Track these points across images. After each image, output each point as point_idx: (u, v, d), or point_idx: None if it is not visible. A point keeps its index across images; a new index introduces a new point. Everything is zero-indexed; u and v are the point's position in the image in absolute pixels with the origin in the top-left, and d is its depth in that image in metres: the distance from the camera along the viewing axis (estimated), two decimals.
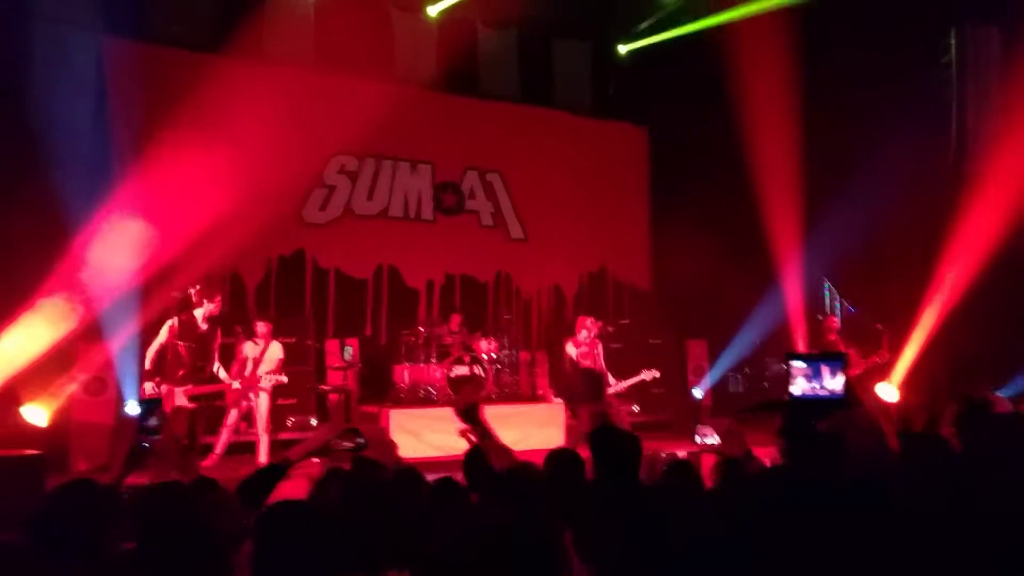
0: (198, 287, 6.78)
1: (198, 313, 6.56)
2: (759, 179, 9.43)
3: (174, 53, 8.82)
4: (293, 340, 8.61)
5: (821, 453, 2.49)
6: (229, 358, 7.24)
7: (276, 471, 2.73)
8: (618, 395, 7.54)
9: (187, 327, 6.49)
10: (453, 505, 2.55)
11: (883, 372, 8.51)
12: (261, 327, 7.32)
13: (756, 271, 9.72)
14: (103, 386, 7.04)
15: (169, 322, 6.54)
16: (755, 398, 9.84)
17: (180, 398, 6.38)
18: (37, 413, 6.39)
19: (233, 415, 7.17)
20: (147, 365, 6.45)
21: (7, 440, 5.79)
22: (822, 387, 2.34)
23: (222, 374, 6.83)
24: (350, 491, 2.55)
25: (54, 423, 6.67)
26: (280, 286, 9.49)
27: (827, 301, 10.84)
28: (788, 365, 2.25)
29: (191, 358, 6.44)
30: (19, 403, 6.43)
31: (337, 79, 9.51)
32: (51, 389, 6.62)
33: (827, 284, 10.56)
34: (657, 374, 7.54)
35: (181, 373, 6.40)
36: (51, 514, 2.11)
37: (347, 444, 2.96)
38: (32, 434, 6.19)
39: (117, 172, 8.09)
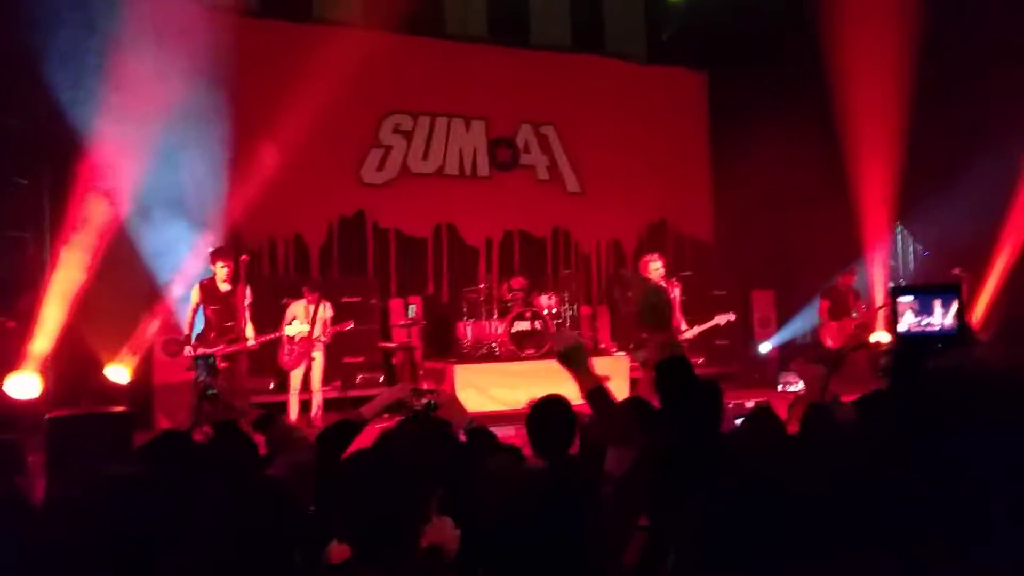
0: (210, 249, 6.80)
1: (219, 275, 6.58)
2: (830, 121, 9.06)
3: (226, 16, 8.85)
4: (358, 299, 8.77)
5: (932, 391, 2.33)
6: (274, 317, 7.40)
7: (352, 426, 2.76)
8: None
9: (209, 290, 6.56)
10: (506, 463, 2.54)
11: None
12: (308, 292, 7.46)
13: (823, 217, 9.40)
14: (179, 347, 7.28)
15: (195, 286, 6.65)
16: (821, 350, 9.61)
17: (216, 360, 6.48)
18: (119, 372, 6.66)
19: (295, 376, 7.35)
20: (185, 330, 6.61)
21: (96, 399, 6.10)
22: (932, 322, 2.18)
23: (250, 333, 6.73)
24: (418, 443, 2.57)
25: (137, 384, 6.97)
26: (342, 247, 9.64)
27: (899, 244, 10.46)
28: (894, 299, 2.11)
29: (218, 319, 6.51)
30: (102, 365, 6.72)
31: (387, 37, 9.44)
32: (129, 348, 6.91)
33: (899, 227, 10.16)
34: (732, 317, 7.19)
35: (212, 335, 6.51)
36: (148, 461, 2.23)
37: (419, 402, 2.97)
38: (117, 395, 6.48)
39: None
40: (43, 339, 6.12)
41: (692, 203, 11.43)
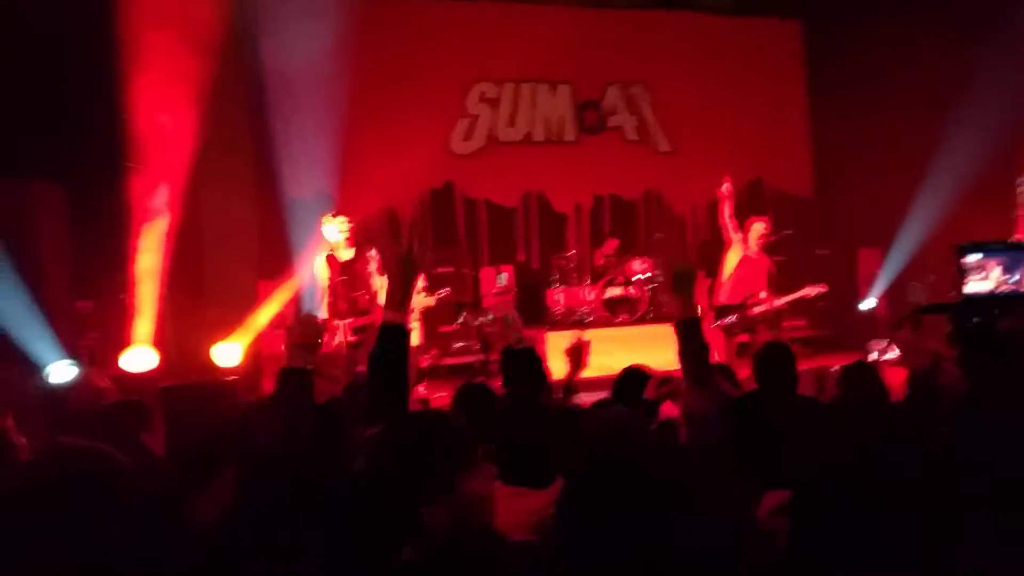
0: (330, 214, 6.42)
1: (341, 237, 6.24)
2: (931, 63, 8.41)
3: None
4: (451, 270, 8.88)
5: (1004, 356, 2.14)
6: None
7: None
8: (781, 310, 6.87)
9: (332, 261, 6.27)
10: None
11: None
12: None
13: (932, 169, 8.77)
14: (285, 320, 7.56)
15: (319, 260, 6.36)
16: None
17: (346, 333, 6.22)
18: (230, 351, 6.76)
19: None
20: (319, 309, 6.32)
21: (209, 367, 6.42)
22: (1005, 282, 1.96)
23: (381, 299, 6.44)
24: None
25: (249, 356, 7.24)
26: (434, 218, 9.76)
27: (1021, 196, 9.66)
28: (959, 258, 1.91)
29: (345, 290, 6.21)
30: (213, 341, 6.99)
31: (470, 5, 9.40)
32: (241, 327, 7.14)
33: (1021, 177, 9.38)
34: (824, 289, 6.65)
35: (343, 308, 6.22)
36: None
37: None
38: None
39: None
40: (146, 317, 6.26)
41: (790, 159, 10.93)
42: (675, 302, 2.39)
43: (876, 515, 1.20)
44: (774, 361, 3.43)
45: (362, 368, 5.99)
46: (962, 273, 1.89)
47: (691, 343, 2.32)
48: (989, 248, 1.95)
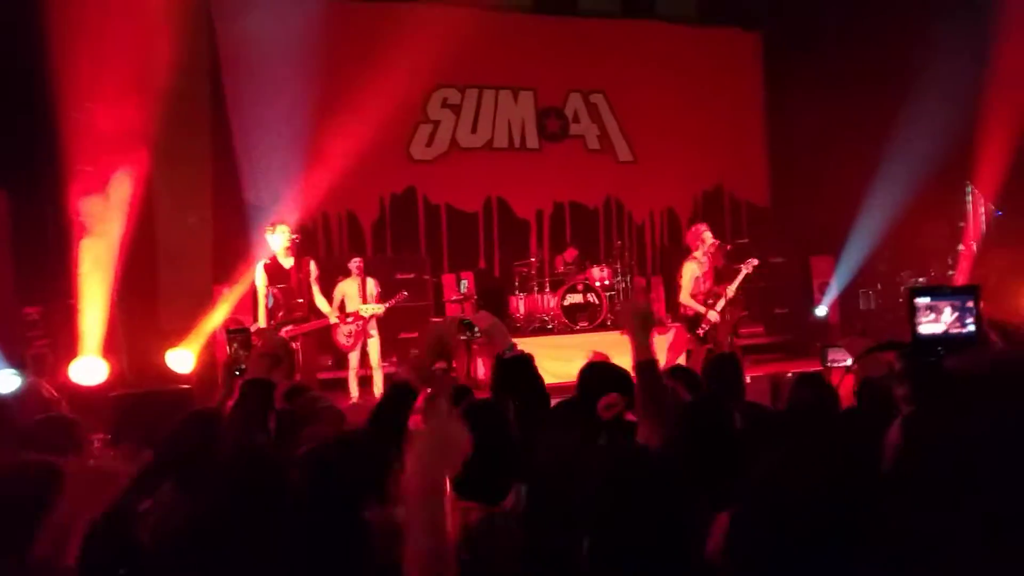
0: (271, 223, 6.39)
1: (281, 247, 6.21)
2: (885, 76, 8.65)
3: None
4: (411, 276, 8.83)
5: (951, 397, 2.21)
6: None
7: (404, 390, 2.51)
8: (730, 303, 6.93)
9: (273, 269, 6.25)
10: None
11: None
12: (356, 263, 7.30)
13: (883, 178, 9.01)
14: (228, 326, 7.43)
15: (258, 268, 6.33)
16: (887, 315, 9.28)
17: None
18: (183, 358, 6.63)
19: (352, 356, 7.29)
20: (259, 313, 6.30)
21: (164, 378, 6.26)
22: (951, 324, 2.06)
23: (324, 307, 6.58)
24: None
25: (204, 362, 7.10)
26: (394, 224, 9.71)
27: (968, 204, 9.97)
28: (911, 300, 2.00)
29: (285, 299, 6.21)
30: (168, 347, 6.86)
31: (433, 9, 9.38)
32: (193, 333, 7.00)
33: (969, 186, 9.69)
34: (755, 262, 6.72)
35: (280, 315, 6.20)
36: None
37: (463, 336, 2.90)
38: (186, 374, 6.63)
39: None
40: (95, 324, 6.08)
41: (748, 168, 11.12)
42: (633, 343, 2.43)
43: (811, 525, 1.22)
44: (723, 370, 3.54)
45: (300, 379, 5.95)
46: (914, 313, 1.97)
47: (649, 384, 2.38)
48: (938, 292, 2.03)
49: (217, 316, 7.28)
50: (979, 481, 1.40)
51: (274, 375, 2.69)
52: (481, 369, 7.38)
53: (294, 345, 6.11)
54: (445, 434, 1.48)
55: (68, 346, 6.00)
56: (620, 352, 4.22)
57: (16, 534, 1.82)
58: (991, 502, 1.28)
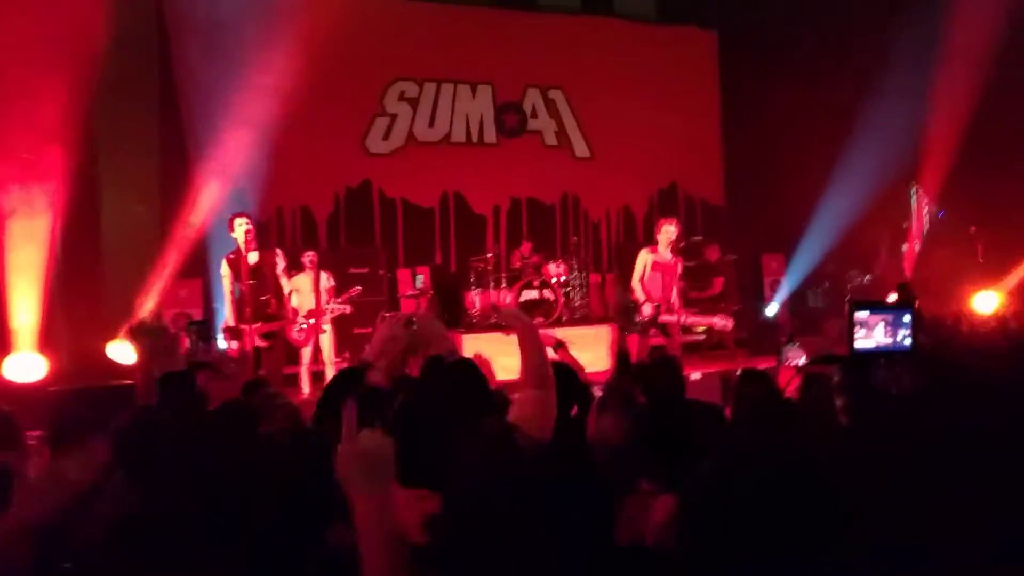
0: (229, 217, 6.21)
1: (240, 239, 6.04)
2: (839, 77, 8.85)
3: None
4: (366, 270, 8.73)
5: (882, 409, 2.30)
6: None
7: (353, 372, 2.59)
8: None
9: (236, 264, 6.06)
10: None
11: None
12: (309, 257, 7.10)
13: (834, 178, 9.23)
14: (186, 322, 7.26)
15: (222, 264, 6.15)
16: (836, 312, 9.50)
17: (255, 338, 6.04)
18: (124, 350, 6.47)
19: (305, 351, 7.09)
20: (226, 308, 6.16)
21: (109, 371, 6.07)
22: (887, 337, 2.14)
23: (294, 301, 6.49)
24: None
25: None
26: (349, 217, 9.59)
27: (913, 204, 10.27)
28: (851, 314, 2.07)
29: (252, 295, 6.03)
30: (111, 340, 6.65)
31: (391, 1, 9.28)
32: (136, 325, 6.80)
33: (914, 187, 9.97)
34: (730, 325, 6.79)
35: (248, 312, 6.04)
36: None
37: (407, 329, 2.89)
38: (127, 369, 6.44)
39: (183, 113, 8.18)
40: (29, 318, 5.83)
41: (703, 166, 11.26)
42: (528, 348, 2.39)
43: (760, 514, 1.22)
44: (665, 373, 3.63)
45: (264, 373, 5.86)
46: (852, 328, 2.04)
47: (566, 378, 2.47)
48: (875, 307, 2.11)
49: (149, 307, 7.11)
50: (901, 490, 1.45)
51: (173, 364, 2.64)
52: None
53: (267, 343, 6.02)
54: (367, 451, 1.42)
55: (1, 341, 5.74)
56: (573, 349, 4.22)
57: None
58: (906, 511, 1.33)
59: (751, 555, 1.17)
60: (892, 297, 7.14)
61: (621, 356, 7.23)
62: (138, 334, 2.61)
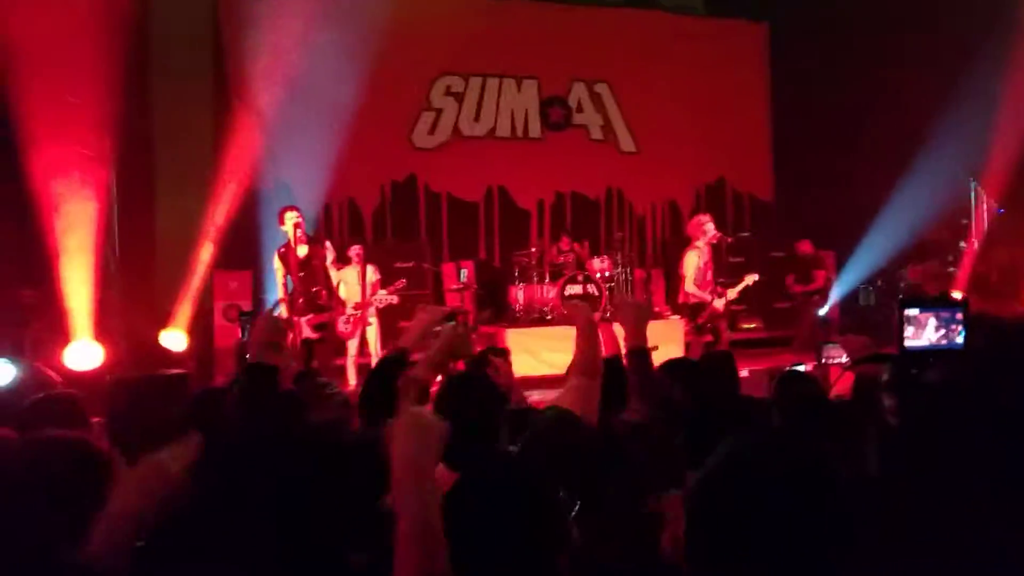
0: (279, 210, 6.27)
1: (291, 233, 6.08)
2: (897, 72, 8.58)
3: None
4: (411, 264, 8.80)
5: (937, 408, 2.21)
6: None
7: (394, 360, 2.56)
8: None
9: (287, 258, 6.11)
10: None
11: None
12: (355, 250, 7.16)
13: (890, 175, 8.96)
14: (236, 313, 7.41)
15: (274, 257, 6.22)
16: (887, 312, 9.24)
17: (306, 329, 6.13)
18: (176, 338, 6.67)
19: (351, 343, 7.16)
20: (279, 302, 6.17)
21: (162, 360, 6.25)
22: (939, 336, 2.05)
23: (342, 293, 6.60)
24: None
25: (201, 348, 7.09)
26: (395, 211, 9.68)
27: (972, 202, 9.92)
28: (902, 311, 1.99)
29: (303, 286, 6.09)
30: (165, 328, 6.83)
31: None
32: (193, 318, 6.99)
33: (973, 183, 9.63)
34: (756, 277, 6.90)
35: (300, 302, 6.08)
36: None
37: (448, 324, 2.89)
38: (180, 357, 6.62)
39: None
40: (83, 307, 5.90)
41: (752, 161, 11.08)
42: (627, 331, 2.59)
43: (770, 513, 1.20)
44: (721, 367, 3.59)
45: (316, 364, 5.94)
46: (902, 326, 1.96)
47: (639, 369, 2.55)
48: (926, 304, 2.03)
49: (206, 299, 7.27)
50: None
51: (276, 359, 2.67)
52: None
53: (317, 335, 6.11)
54: (420, 422, 1.45)
55: (63, 330, 5.89)
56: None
57: (71, 523, 1.59)
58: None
59: (758, 554, 1.15)
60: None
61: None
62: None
